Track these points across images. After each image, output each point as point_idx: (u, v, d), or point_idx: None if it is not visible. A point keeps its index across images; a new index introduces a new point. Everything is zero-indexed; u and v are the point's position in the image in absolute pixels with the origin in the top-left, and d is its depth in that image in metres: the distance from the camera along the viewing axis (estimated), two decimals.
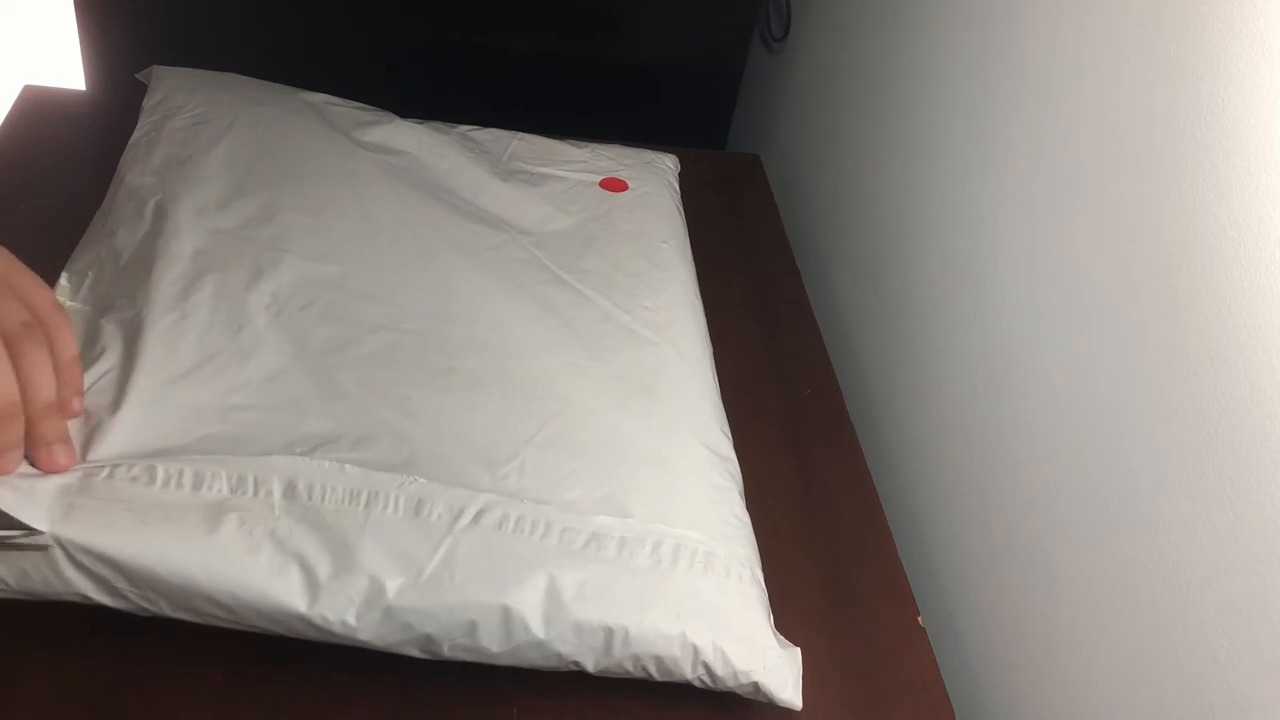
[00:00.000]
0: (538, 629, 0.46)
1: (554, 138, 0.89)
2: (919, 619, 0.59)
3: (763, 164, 0.96)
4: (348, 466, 0.49)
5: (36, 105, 0.82)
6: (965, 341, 0.67)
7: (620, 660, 0.47)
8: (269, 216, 0.62)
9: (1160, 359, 0.49)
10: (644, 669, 0.47)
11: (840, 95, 0.90)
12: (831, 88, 0.93)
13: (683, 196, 0.81)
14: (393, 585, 0.45)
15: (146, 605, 0.45)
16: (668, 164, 0.81)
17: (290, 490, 0.47)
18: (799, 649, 0.50)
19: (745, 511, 0.55)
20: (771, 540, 0.62)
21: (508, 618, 0.46)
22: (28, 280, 0.48)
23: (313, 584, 0.45)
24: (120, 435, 0.48)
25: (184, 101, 0.71)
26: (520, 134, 0.80)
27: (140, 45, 0.96)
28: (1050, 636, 0.57)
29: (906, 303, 0.75)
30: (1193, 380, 0.47)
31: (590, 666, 0.47)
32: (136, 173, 0.64)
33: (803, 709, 0.53)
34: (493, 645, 0.46)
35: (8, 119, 0.80)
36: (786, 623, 0.57)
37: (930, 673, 0.57)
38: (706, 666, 0.47)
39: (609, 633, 0.46)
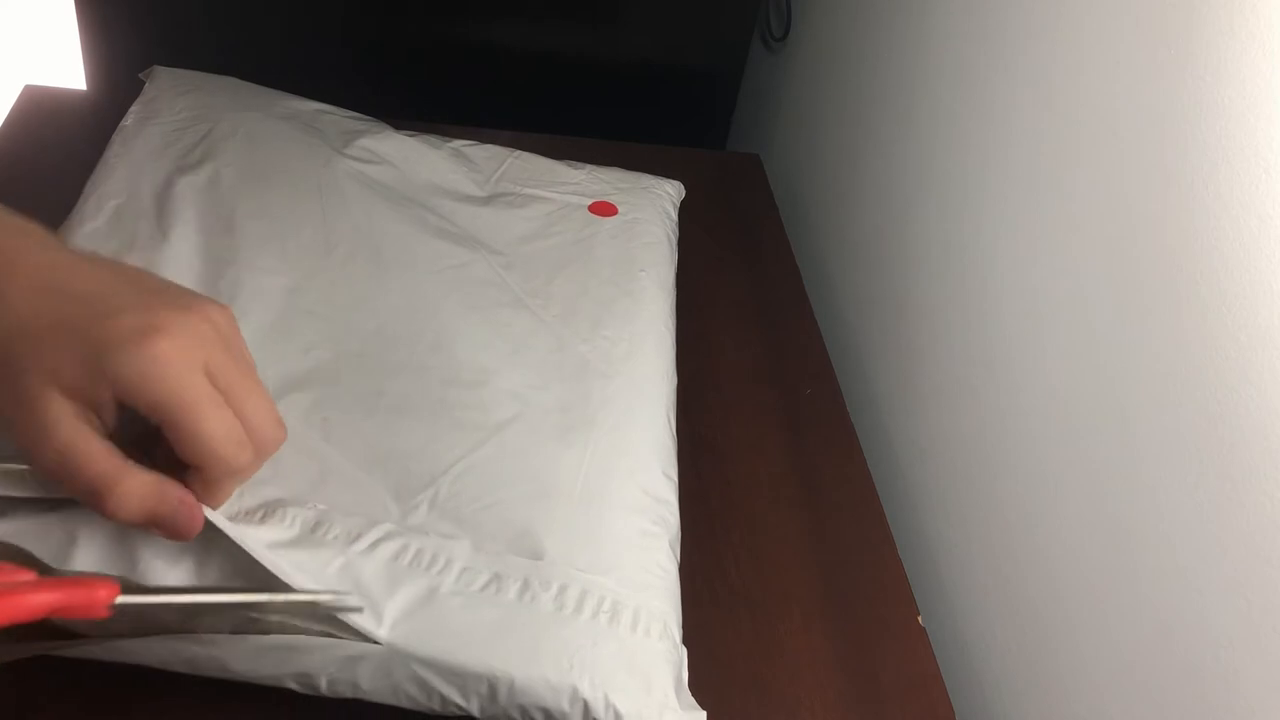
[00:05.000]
0: (419, 668, 0.44)
1: (555, 136, 0.89)
2: (919, 619, 0.59)
3: (763, 164, 0.96)
4: (247, 495, 0.47)
5: (36, 105, 0.82)
6: (965, 340, 0.67)
7: (506, 708, 0.45)
8: (226, 226, 0.61)
9: (1160, 357, 0.49)
10: (532, 719, 0.45)
11: (840, 95, 0.91)
12: (831, 88, 0.93)
13: (683, 197, 0.80)
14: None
15: None
16: (667, 190, 0.79)
17: None
18: (704, 713, 0.47)
19: (673, 562, 0.52)
20: (772, 540, 0.62)
21: (390, 652, 0.44)
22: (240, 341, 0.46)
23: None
24: None
25: (170, 104, 0.71)
26: (517, 152, 0.78)
27: (140, 45, 0.96)
28: (1051, 636, 0.57)
29: (906, 302, 0.75)
30: (1192, 379, 0.47)
31: (475, 712, 0.45)
32: (105, 171, 0.64)
33: (804, 709, 0.53)
34: (366, 683, 0.44)
35: (8, 119, 0.80)
36: (787, 623, 0.57)
37: (930, 672, 0.57)
38: None
39: (494, 680, 0.44)
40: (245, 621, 0.44)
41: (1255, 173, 0.44)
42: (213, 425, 0.41)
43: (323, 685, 0.45)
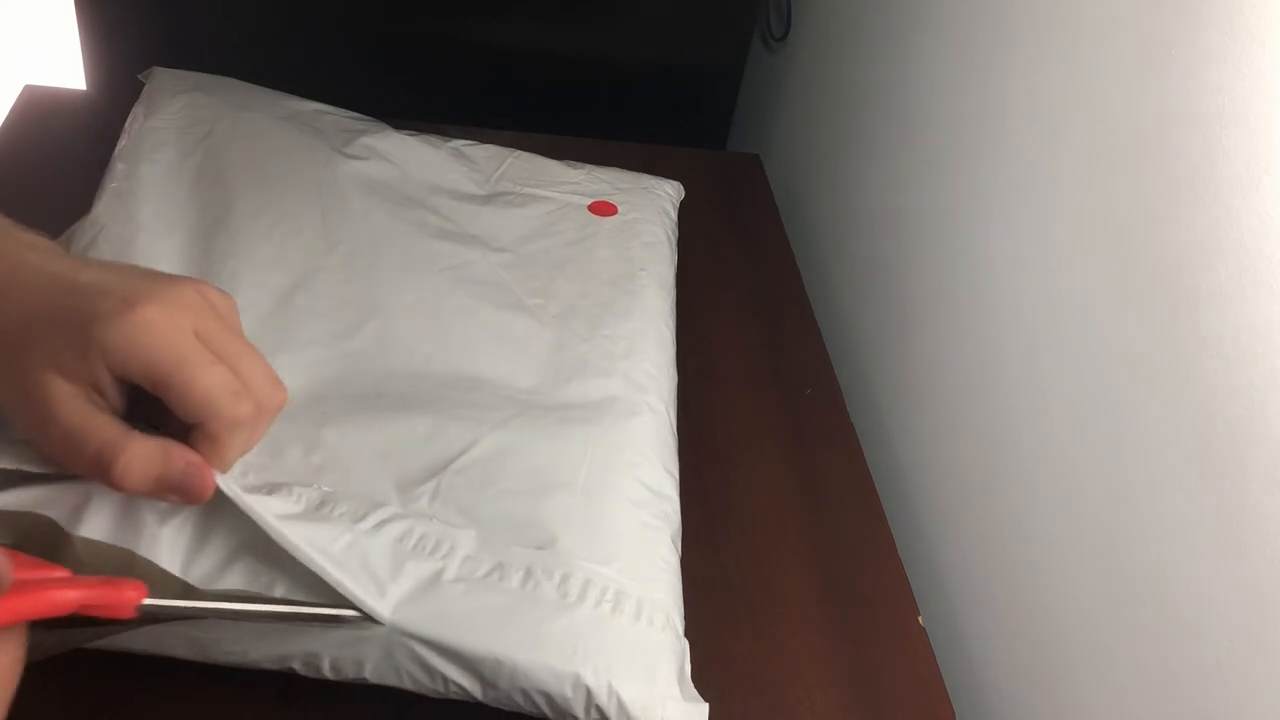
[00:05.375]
0: (422, 649, 0.44)
1: (555, 135, 0.89)
2: (919, 619, 0.59)
3: (763, 164, 0.96)
4: (251, 474, 0.47)
5: (36, 105, 0.82)
6: (965, 340, 0.67)
7: (509, 692, 0.45)
8: (226, 224, 0.62)
9: (1159, 358, 0.49)
10: (534, 704, 0.45)
11: (840, 95, 0.91)
12: (831, 88, 0.93)
13: (683, 197, 0.80)
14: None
15: None
16: (667, 190, 0.79)
17: None
18: (707, 705, 0.48)
19: (675, 555, 0.52)
20: (772, 540, 0.62)
21: (394, 634, 0.44)
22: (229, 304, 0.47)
23: (195, 546, 0.44)
24: None
25: (170, 104, 0.71)
26: (517, 151, 0.78)
27: (141, 45, 0.96)
28: (1051, 636, 0.57)
29: (906, 302, 0.75)
30: (1191, 379, 0.47)
31: (479, 695, 0.45)
32: (110, 173, 0.64)
33: (803, 709, 0.53)
34: (370, 664, 0.45)
35: (8, 119, 0.80)
36: (787, 623, 0.57)
37: (930, 673, 0.57)
38: (600, 710, 0.45)
39: (497, 664, 0.44)
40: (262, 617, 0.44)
41: (1255, 173, 0.44)
42: (207, 378, 0.41)
43: (326, 667, 0.45)
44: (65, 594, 0.38)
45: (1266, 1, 0.44)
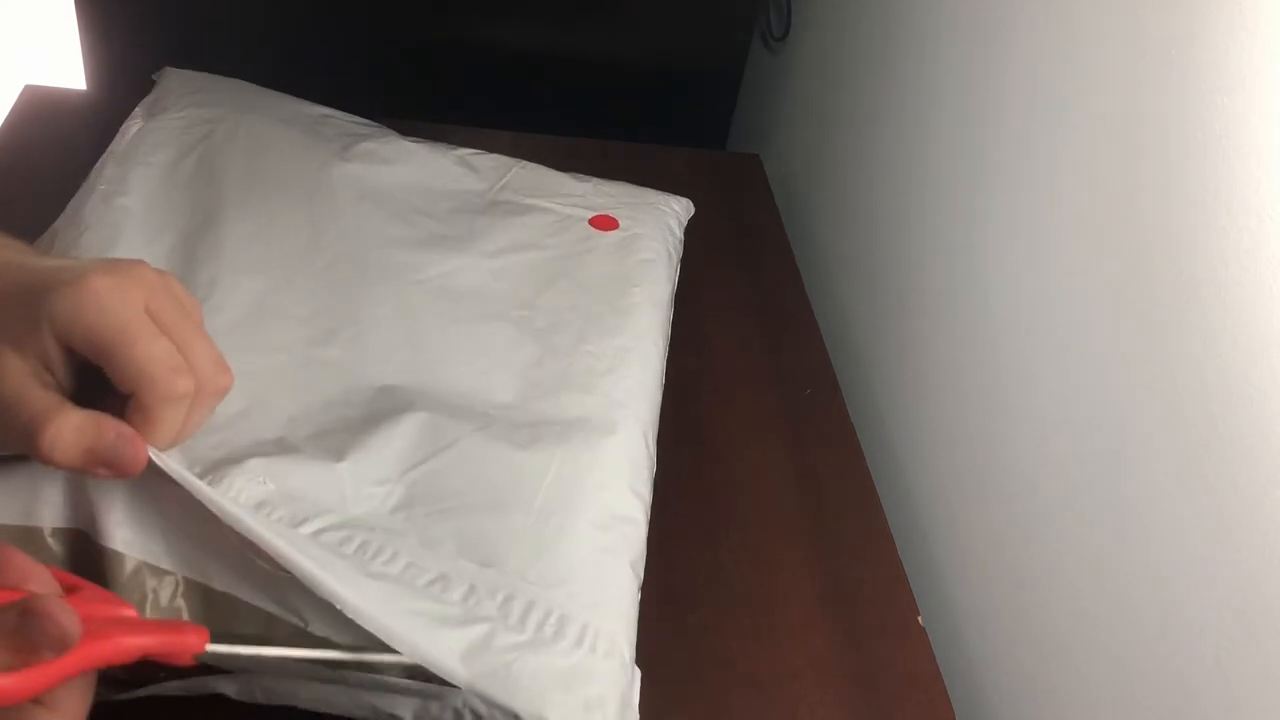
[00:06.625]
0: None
1: (555, 136, 0.89)
2: (919, 619, 0.59)
3: (763, 164, 0.96)
4: (197, 466, 0.46)
5: (36, 105, 0.82)
6: (966, 341, 0.67)
7: (439, 714, 0.43)
8: (213, 225, 0.61)
9: (1159, 358, 0.50)
10: None
11: (840, 95, 0.91)
12: (831, 88, 0.93)
13: (692, 215, 0.79)
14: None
15: None
16: (674, 207, 0.77)
17: None
18: None
19: (632, 582, 0.51)
20: (771, 540, 0.62)
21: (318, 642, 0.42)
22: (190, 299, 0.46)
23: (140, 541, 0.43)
24: None
25: (175, 104, 0.71)
26: (523, 162, 0.76)
27: (141, 45, 0.96)
28: (1050, 636, 0.57)
29: (906, 302, 0.75)
30: (1191, 380, 0.47)
31: (408, 717, 0.43)
32: (102, 166, 0.64)
33: (804, 709, 0.53)
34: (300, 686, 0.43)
35: (8, 119, 0.80)
36: (787, 622, 0.57)
37: (930, 673, 0.57)
38: None
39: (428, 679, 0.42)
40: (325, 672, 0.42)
41: (1255, 173, 0.44)
42: (147, 347, 0.41)
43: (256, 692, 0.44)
44: (129, 641, 0.37)
45: (1266, 1, 0.44)
